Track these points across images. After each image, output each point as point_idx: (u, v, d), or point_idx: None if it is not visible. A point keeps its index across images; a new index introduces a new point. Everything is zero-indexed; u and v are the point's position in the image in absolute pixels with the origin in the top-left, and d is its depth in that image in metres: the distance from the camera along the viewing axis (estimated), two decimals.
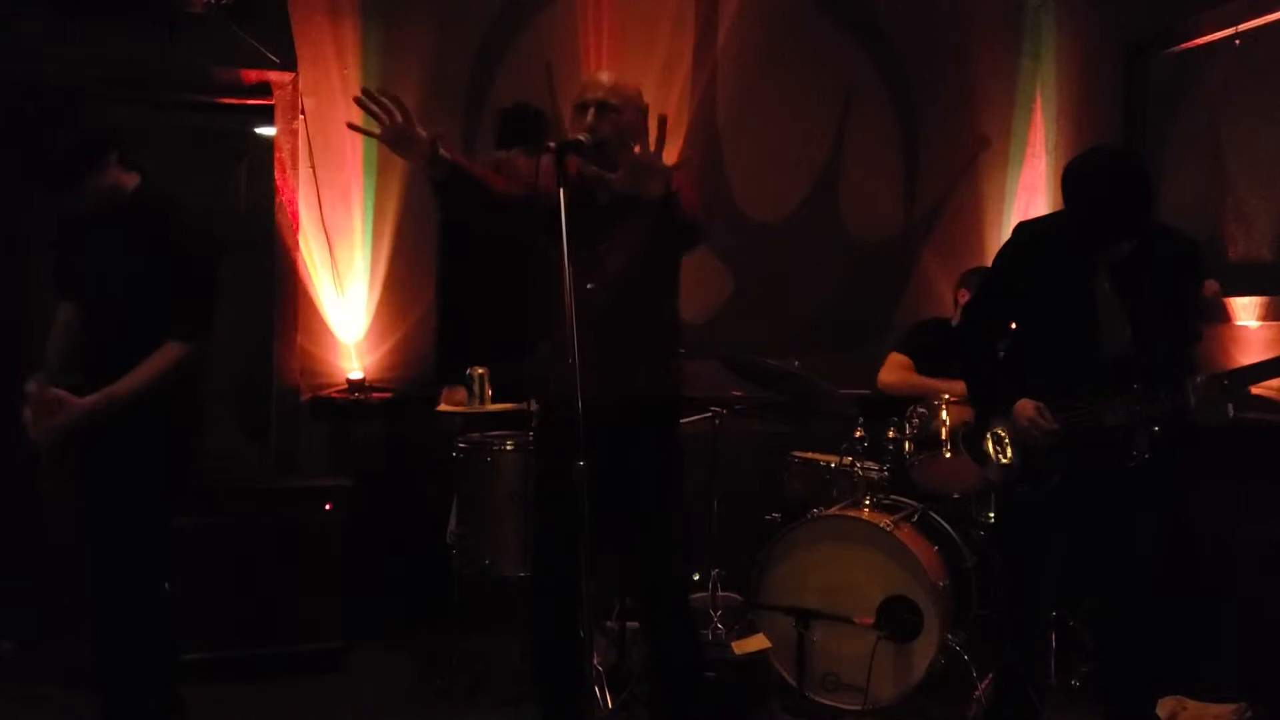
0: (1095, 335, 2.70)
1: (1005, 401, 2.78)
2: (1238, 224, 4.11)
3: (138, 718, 2.82)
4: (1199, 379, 2.59)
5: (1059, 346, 2.76)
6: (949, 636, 3.44)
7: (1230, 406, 2.57)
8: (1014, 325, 2.92)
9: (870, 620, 3.36)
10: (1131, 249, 2.67)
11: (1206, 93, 4.23)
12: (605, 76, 2.75)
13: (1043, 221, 2.96)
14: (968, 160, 4.97)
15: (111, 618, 2.80)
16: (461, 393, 3.79)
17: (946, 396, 3.75)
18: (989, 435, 2.88)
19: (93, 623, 2.81)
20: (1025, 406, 2.73)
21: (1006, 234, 4.96)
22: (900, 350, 4.17)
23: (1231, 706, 3.33)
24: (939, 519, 3.71)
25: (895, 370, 4.12)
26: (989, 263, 4.73)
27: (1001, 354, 2.98)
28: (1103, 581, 2.86)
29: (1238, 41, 4.01)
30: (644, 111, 2.72)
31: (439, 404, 3.85)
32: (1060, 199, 2.73)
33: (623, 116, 2.66)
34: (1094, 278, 2.70)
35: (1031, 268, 2.80)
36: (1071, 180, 2.65)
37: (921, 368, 4.08)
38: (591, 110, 2.66)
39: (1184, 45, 4.33)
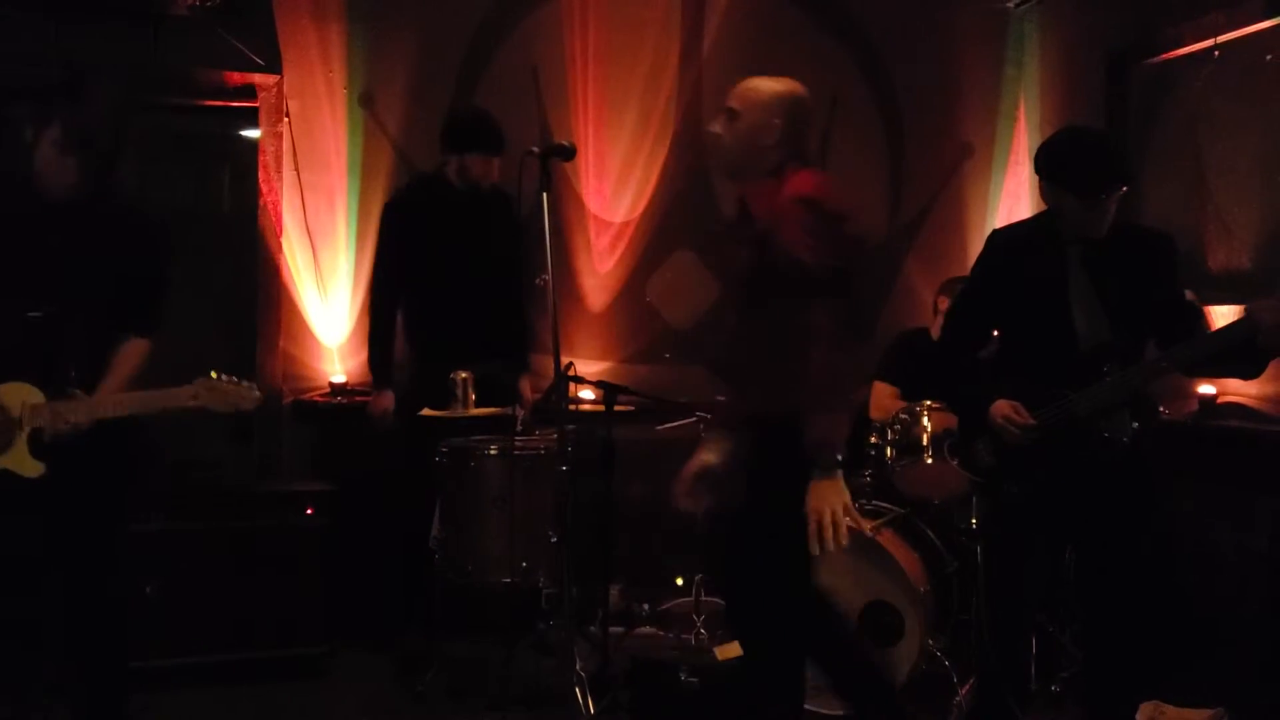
0: (1073, 328, 2.76)
1: (984, 404, 2.82)
2: (1218, 233, 4.14)
3: None
4: (1262, 300, 2.60)
5: (1039, 344, 2.82)
6: (930, 642, 3.45)
7: None
8: (995, 333, 2.97)
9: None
10: (1106, 244, 2.75)
11: (1187, 103, 4.26)
12: (744, 82, 2.71)
13: (1015, 227, 3.05)
14: (951, 167, 5.01)
15: (88, 629, 2.74)
16: (390, 397, 3.85)
17: (929, 404, 3.77)
18: (973, 440, 2.91)
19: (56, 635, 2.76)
20: (1001, 406, 2.78)
21: None
22: (882, 377, 4.17)
23: (1209, 712, 3.35)
24: (921, 524, 3.72)
25: (882, 404, 4.12)
26: (970, 269, 4.78)
27: (987, 361, 3.03)
28: (1089, 582, 2.89)
29: (1217, 53, 4.05)
30: (771, 117, 2.62)
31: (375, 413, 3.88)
32: (1041, 204, 2.82)
33: (740, 121, 2.63)
34: (1069, 273, 2.78)
35: (1009, 270, 2.87)
36: (1059, 150, 2.78)
37: (908, 388, 4.08)
38: (720, 117, 2.68)
39: (1165, 56, 4.36)
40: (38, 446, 2.62)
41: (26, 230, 2.66)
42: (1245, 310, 2.61)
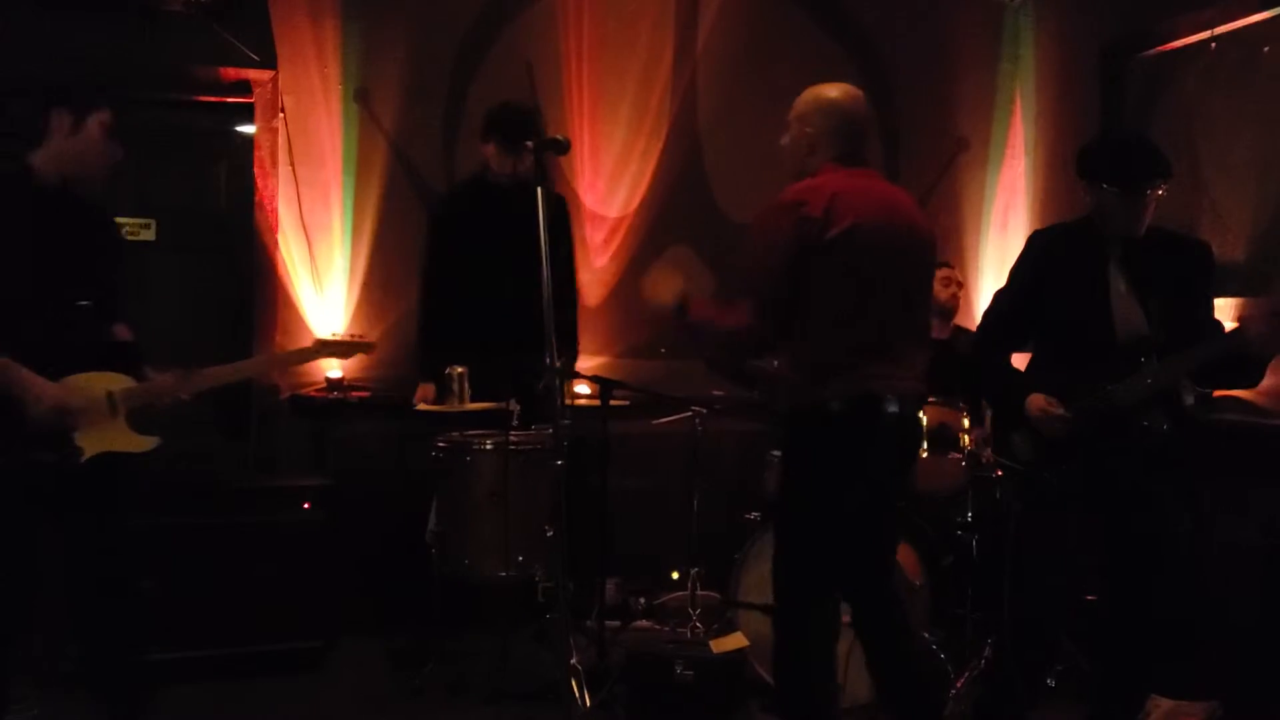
0: (1111, 324, 2.83)
1: (1019, 398, 2.90)
2: (1213, 226, 4.15)
3: None
4: (1249, 312, 2.74)
5: (1078, 339, 2.89)
6: (926, 635, 3.45)
7: None
8: (1031, 332, 3.04)
9: (847, 619, 3.37)
10: (1144, 244, 2.84)
11: (1182, 95, 4.27)
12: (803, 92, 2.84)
13: (1055, 227, 3.14)
14: (947, 161, 5.00)
15: (117, 618, 2.84)
16: (431, 389, 3.78)
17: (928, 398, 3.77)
18: (1011, 433, 2.99)
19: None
20: (1036, 399, 2.86)
21: (986, 234, 5.04)
22: None
23: (1203, 705, 3.36)
24: (917, 518, 3.72)
25: None
26: (966, 264, 4.79)
27: (1030, 354, 3.11)
28: (1119, 568, 2.91)
29: (1213, 45, 4.05)
30: (804, 125, 2.78)
31: (415, 401, 3.85)
32: (1042, 202, 2.85)
33: (789, 132, 2.81)
34: (1108, 270, 2.86)
35: (1049, 269, 2.95)
36: (1100, 147, 2.92)
37: None
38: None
39: (1160, 48, 4.37)
40: (145, 424, 2.76)
41: (58, 223, 2.72)
42: (1237, 322, 2.70)
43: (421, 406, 3.62)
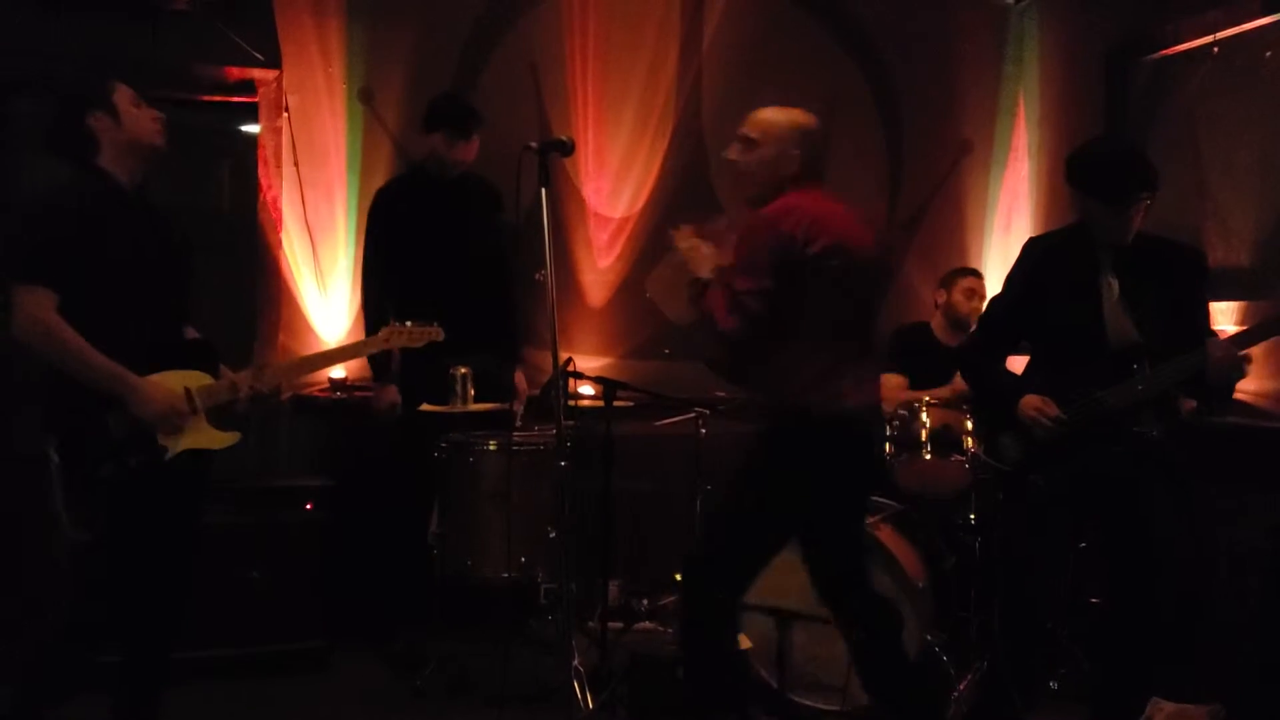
0: (1103, 330, 2.86)
1: (1012, 399, 2.93)
2: (1217, 230, 4.15)
3: None
4: (1213, 339, 2.79)
5: (1071, 345, 2.91)
6: (928, 637, 3.45)
7: (1244, 364, 2.75)
8: (1027, 337, 3.08)
9: None
10: (1137, 251, 2.86)
11: (1186, 99, 4.27)
12: (759, 112, 2.83)
13: (1050, 235, 3.18)
14: (950, 164, 5.01)
15: (164, 615, 2.84)
16: (394, 390, 3.82)
17: (928, 399, 3.78)
18: (1000, 434, 3.02)
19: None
20: (1030, 399, 2.89)
21: (989, 238, 5.05)
22: (890, 370, 4.18)
23: (1206, 707, 3.36)
24: (919, 520, 3.72)
25: (891, 394, 4.12)
26: (971, 265, 4.80)
27: (1026, 359, 3.14)
28: (1113, 573, 2.94)
29: (1216, 49, 4.06)
30: (790, 148, 2.77)
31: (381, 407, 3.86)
32: (1046, 204, 2.87)
33: (759, 151, 2.77)
34: (1100, 277, 2.89)
35: (1044, 275, 2.98)
36: (1086, 159, 2.91)
37: (912, 378, 4.10)
38: (736, 145, 2.82)
39: (1163, 52, 4.37)
40: (226, 421, 2.76)
41: (136, 224, 2.72)
42: (1207, 347, 2.75)
43: (426, 407, 3.62)
